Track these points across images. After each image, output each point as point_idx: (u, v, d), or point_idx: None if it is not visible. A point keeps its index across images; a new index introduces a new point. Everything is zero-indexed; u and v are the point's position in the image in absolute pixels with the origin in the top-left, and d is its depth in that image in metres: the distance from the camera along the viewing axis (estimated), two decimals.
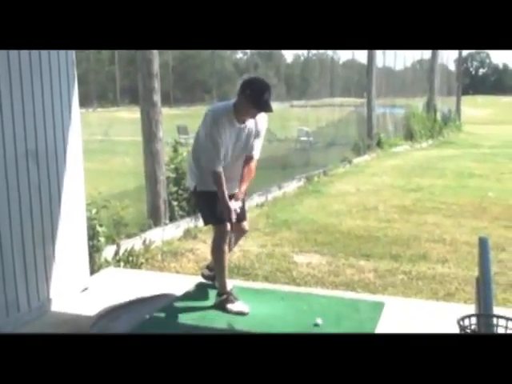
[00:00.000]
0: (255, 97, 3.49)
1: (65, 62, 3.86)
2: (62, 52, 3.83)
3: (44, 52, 3.67)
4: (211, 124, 3.57)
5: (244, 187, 3.80)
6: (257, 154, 3.83)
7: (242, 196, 3.80)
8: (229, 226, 3.73)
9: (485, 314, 2.49)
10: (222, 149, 3.59)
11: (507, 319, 2.47)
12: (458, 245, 5.74)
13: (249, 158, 3.81)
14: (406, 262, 5.23)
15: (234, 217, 3.67)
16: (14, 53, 3.42)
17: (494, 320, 2.50)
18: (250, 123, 3.70)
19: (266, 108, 3.55)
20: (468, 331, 2.37)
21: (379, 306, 3.82)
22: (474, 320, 2.47)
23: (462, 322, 2.41)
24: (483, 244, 2.90)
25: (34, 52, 3.58)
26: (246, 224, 4.04)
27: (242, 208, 3.91)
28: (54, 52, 3.75)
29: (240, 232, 4.02)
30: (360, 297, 4.15)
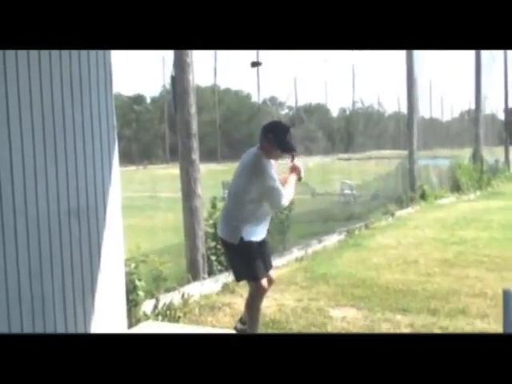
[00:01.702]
0: (278, 139, 3.68)
1: (106, 124, 4.15)
2: (104, 115, 4.12)
3: (87, 114, 3.97)
4: (263, 167, 3.72)
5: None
6: None
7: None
8: (266, 283, 3.84)
9: None
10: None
11: None
12: (500, 299, 5.57)
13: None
14: (443, 316, 5.14)
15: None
16: (59, 116, 3.73)
17: None
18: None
19: (291, 148, 3.78)
20: None
21: None
22: None
23: None
24: (507, 296, 2.89)
25: (77, 113, 3.88)
26: (272, 273, 4.11)
27: (269, 256, 4.03)
28: (95, 114, 4.05)
29: (269, 282, 4.09)
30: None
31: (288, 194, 3.84)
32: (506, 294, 2.88)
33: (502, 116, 27.29)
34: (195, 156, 6.02)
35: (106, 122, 4.13)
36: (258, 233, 3.88)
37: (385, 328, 4.88)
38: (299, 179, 4.02)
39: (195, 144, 6.02)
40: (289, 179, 3.94)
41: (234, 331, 4.37)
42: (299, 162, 4.00)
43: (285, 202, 3.83)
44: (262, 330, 4.54)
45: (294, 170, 3.96)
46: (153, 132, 28.32)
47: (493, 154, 22.29)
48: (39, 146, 3.61)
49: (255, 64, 3.92)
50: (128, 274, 4.76)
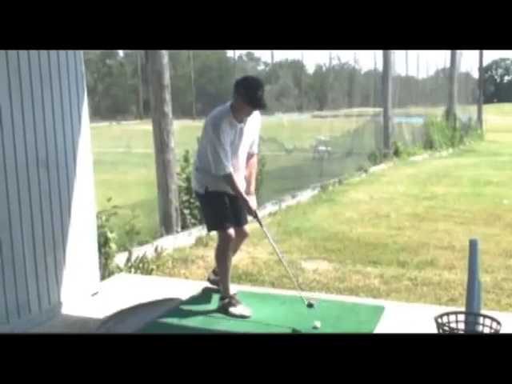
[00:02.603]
0: (249, 94, 3.62)
1: (74, 74, 4.04)
2: (72, 64, 4.01)
3: (54, 64, 3.86)
4: (213, 129, 3.69)
5: (253, 182, 4.02)
6: (256, 149, 4.06)
7: (253, 191, 4.00)
8: (233, 232, 3.87)
9: (461, 311, 2.55)
10: (228, 152, 3.72)
11: (484, 316, 2.52)
12: (467, 251, 5.73)
13: (250, 155, 4.02)
14: (412, 268, 5.26)
15: (255, 209, 3.87)
16: (24, 64, 3.61)
17: (477, 319, 2.55)
18: (247, 121, 3.83)
19: (261, 104, 3.68)
20: (446, 328, 2.43)
21: (379, 310, 3.88)
22: (452, 318, 2.52)
23: (439, 320, 2.48)
24: (473, 246, 2.96)
25: (44, 63, 3.77)
26: (246, 228, 4.14)
27: (243, 212, 4.05)
28: (63, 64, 3.93)
29: (241, 236, 4.12)
30: (362, 301, 4.22)
31: (233, 180, 3.76)
32: (472, 243, 2.96)
33: (476, 74, 27.43)
34: (168, 108, 5.92)
35: (75, 69, 4.02)
36: (224, 185, 3.85)
37: (355, 279, 4.98)
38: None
39: (168, 96, 5.91)
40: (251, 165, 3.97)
41: (207, 282, 4.41)
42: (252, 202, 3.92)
43: (220, 171, 3.71)
44: (234, 281, 4.59)
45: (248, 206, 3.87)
46: (126, 87, 27.72)
47: (466, 112, 22.48)
48: (4, 95, 3.50)
49: (310, 305, 3.89)
50: (99, 227, 4.74)
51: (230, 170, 3.74)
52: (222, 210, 3.87)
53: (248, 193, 3.93)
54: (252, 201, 3.90)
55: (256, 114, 3.89)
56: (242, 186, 3.90)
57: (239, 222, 3.98)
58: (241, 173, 3.92)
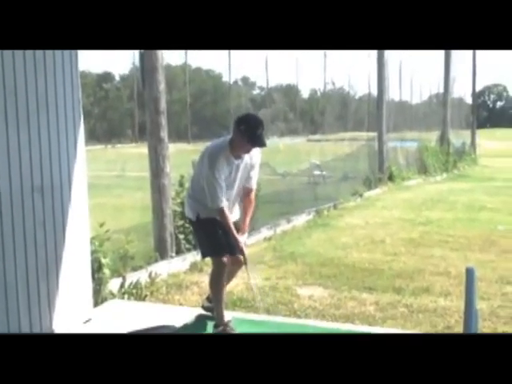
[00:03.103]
0: (249, 132, 3.65)
1: (71, 99, 4.05)
2: (69, 89, 4.02)
3: (51, 89, 3.87)
4: (209, 165, 3.72)
5: (248, 219, 4.00)
6: (254, 184, 4.04)
7: (247, 228, 3.97)
8: (226, 259, 3.85)
9: None
10: (223, 187, 3.75)
11: None
12: (462, 277, 5.70)
13: (248, 190, 3.99)
14: (408, 295, 5.23)
15: (241, 247, 3.83)
16: (21, 88, 3.62)
17: None
18: (245, 157, 3.84)
19: (260, 143, 3.72)
20: None
21: None
22: None
23: None
24: (469, 274, 2.95)
25: (41, 87, 3.78)
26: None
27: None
28: (60, 89, 3.94)
29: (237, 264, 4.10)
30: (357, 329, 4.18)
31: (225, 215, 3.77)
32: (468, 271, 2.94)
33: (469, 100, 27.74)
34: (164, 133, 5.94)
35: (71, 95, 4.03)
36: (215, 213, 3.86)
37: (350, 306, 4.94)
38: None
39: (164, 121, 5.94)
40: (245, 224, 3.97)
41: (201, 309, 4.37)
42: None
43: (215, 205, 3.74)
44: (229, 308, 4.56)
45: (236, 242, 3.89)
46: (122, 110, 27.86)
47: (459, 137, 22.68)
48: (0, 120, 3.49)
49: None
50: (93, 253, 4.70)
51: (224, 204, 3.75)
52: (214, 236, 3.86)
53: (240, 230, 3.93)
54: (242, 238, 3.90)
55: (256, 151, 3.90)
56: (234, 218, 3.92)
57: (235, 250, 3.95)
58: (235, 206, 3.94)
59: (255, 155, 3.92)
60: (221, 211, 3.76)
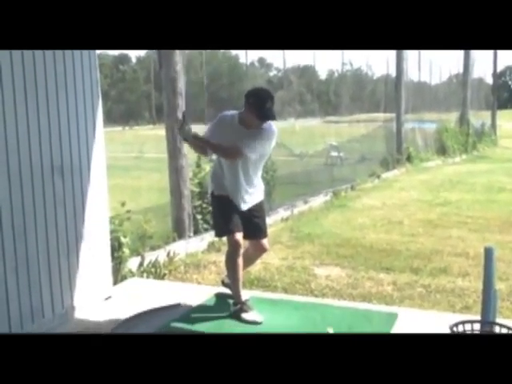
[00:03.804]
0: (258, 106, 3.62)
1: (89, 80, 4.08)
2: (87, 71, 4.04)
3: (69, 71, 3.89)
4: (219, 123, 3.83)
5: None
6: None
7: None
8: (239, 238, 3.82)
9: (477, 320, 2.52)
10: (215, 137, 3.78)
11: (501, 326, 2.50)
12: (481, 259, 5.67)
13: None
14: (426, 275, 5.23)
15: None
16: (40, 71, 3.65)
17: (493, 328, 2.53)
18: (263, 133, 3.77)
19: (269, 116, 3.66)
20: None
21: (392, 317, 3.86)
22: (468, 327, 2.50)
23: (455, 328, 2.46)
24: (488, 254, 2.94)
25: (60, 70, 3.80)
26: (265, 242, 4.07)
27: (263, 224, 4.03)
28: (78, 71, 3.97)
29: (259, 250, 4.09)
30: (375, 308, 4.19)
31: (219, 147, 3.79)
32: (487, 250, 2.93)
33: (489, 80, 27.26)
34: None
35: (90, 76, 4.05)
36: (228, 188, 3.85)
37: (368, 285, 4.95)
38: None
39: (181, 102, 5.94)
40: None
41: (219, 288, 4.41)
42: None
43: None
44: (246, 287, 4.59)
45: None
46: (138, 92, 27.95)
47: (479, 118, 22.35)
48: (20, 101, 3.53)
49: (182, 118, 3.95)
50: (113, 232, 4.76)
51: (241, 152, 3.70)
52: (226, 214, 3.83)
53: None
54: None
55: (272, 128, 3.81)
56: (258, 200, 3.98)
57: (255, 236, 3.96)
58: (256, 186, 3.96)
59: (272, 132, 3.80)
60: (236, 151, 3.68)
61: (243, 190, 3.86)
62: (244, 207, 3.89)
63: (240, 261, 3.86)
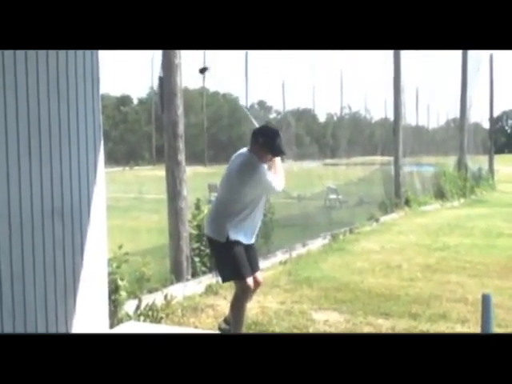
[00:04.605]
0: (269, 143, 3.80)
1: (92, 124, 4.14)
2: (90, 114, 4.12)
3: (72, 113, 3.96)
4: (257, 162, 3.84)
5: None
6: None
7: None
8: (251, 282, 3.86)
9: None
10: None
11: None
12: (480, 305, 5.66)
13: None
14: (424, 321, 5.19)
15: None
16: (44, 115, 3.72)
17: None
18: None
19: (281, 152, 3.90)
20: None
21: None
22: None
23: None
24: (486, 301, 2.94)
25: (63, 111, 3.87)
26: (259, 275, 4.12)
27: (256, 259, 4.07)
28: (82, 114, 4.04)
29: (256, 284, 4.09)
30: None
31: (280, 175, 4.00)
32: (484, 298, 2.93)
33: (486, 125, 27.63)
34: (181, 157, 6.02)
35: (93, 121, 4.12)
36: (244, 233, 3.90)
37: (366, 331, 4.90)
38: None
39: (181, 145, 6.03)
40: (275, 163, 4.04)
41: (217, 331, 4.37)
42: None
43: (282, 183, 3.99)
44: (244, 331, 4.55)
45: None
46: (139, 133, 28.26)
47: (477, 163, 22.55)
48: (24, 144, 3.59)
49: (203, 70, 4.03)
50: (110, 274, 4.74)
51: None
52: (241, 259, 3.87)
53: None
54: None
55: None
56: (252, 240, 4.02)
57: (252, 270, 3.99)
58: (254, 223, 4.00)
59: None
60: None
61: (257, 227, 4.00)
62: (248, 243, 3.98)
63: (246, 304, 3.90)
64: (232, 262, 3.93)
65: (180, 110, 6.06)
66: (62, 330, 3.90)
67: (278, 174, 3.98)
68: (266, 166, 3.91)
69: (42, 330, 3.73)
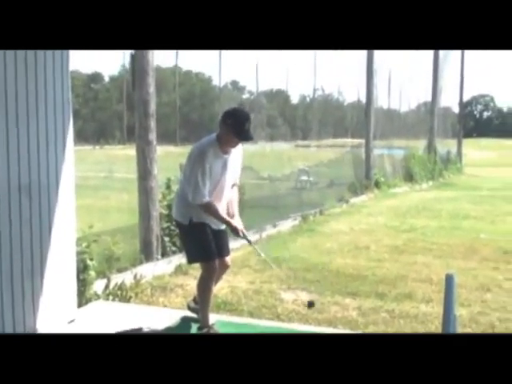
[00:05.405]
0: (237, 126, 3.66)
1: (61, 101, 4.07)
2: (59, 90, 4.04)
3: (41, 90, 3.89)
4: (198, 160, 3.72)
5: (236, 205, 4.06)
6: (238, 179, 4.13)
7: (237, 213, 4.03)
8: (216, 264, 3.88)
9: None
10: (207, 183, 3.74)
11: None
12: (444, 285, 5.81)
13: (233, 185, 4.06)
14: (390, 300, 5.30)
15: (241, 228, 3.90)
16: (11, 91, 3.64)
17: None
18: (232, 152, 3.89)
19: (248, 137, 3.75)
20: None
21: None
22: None
23: None
24: (449, 281, 3.02)
25: (31, 89, 3.80)
26: (228, 259, 4.16)
27: (226, 243, 4.09)
28: (50, 90, 3.96)
29: (223, 267, 4.14)
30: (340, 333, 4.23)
31: (212, 208, 3.80)
32: (448, 278, 3.01)
33: (456, 109, 28.06)
34: (152, 136, 5.97)
35: (61, 96, 4.05)
36: (207, 216, 3.90)
37: (333, 310, 5.00)
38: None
39: (152, 124, 5.97)
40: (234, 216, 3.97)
41: (185, 311, 4.40)
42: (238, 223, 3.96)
43: (197, 200, 3.74)
44: (213, 311, 4.58)
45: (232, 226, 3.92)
46: (110, 112, 27.78)
47: (446, 146, 22.92)
48: None
49: (311, 304, 4.07)
50: (79, 254, 4.71)
51: (207, 199, 3.76)
52: (206, 241, 3.87)
53: (230, 215, 3.96)
54: (236, 221, 3.94)
55: (239, 145, 3.94)
56: (223, 213, 3.95)
57: (222, 253, 4.00)
58: (223, 204, 3.96)
59: (238, 150, 3.97)
60: (206, 205, 3.75)
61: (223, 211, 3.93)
62: (219, 228, 3.96)
63: (213, 286, 3.92)
64: (197, 244, 3.94)
65: (151, 89, 5.99)
66: (28, 308, 3.87)
67: (221, 213, 3.85)
68: (206, 163, 3.69)
69: (7, 307, 3.70)
